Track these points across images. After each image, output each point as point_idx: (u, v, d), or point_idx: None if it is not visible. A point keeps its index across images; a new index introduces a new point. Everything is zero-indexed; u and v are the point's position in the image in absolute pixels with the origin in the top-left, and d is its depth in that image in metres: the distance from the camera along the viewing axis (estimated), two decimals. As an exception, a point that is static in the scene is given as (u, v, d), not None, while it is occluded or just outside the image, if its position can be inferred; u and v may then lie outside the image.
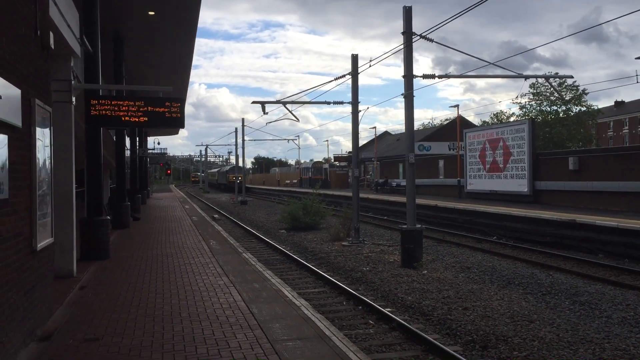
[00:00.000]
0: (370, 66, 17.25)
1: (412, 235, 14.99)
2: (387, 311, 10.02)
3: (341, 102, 20.71)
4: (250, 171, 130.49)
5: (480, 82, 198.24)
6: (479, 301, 10.82)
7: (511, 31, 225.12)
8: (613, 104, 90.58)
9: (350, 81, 19.99)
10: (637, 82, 20.50)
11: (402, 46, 15.71)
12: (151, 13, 16.93)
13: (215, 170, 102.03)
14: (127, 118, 10.90)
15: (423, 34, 14.55)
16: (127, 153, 26.26)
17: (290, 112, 20.90)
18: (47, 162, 7.35)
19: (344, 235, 20.46)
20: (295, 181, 75.17)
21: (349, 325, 9.32)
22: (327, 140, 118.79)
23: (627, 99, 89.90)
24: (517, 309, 10.18)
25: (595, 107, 52.94)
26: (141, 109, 10.91)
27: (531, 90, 50.82)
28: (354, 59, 19.96)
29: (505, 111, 67.15)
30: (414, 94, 15.86)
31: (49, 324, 7.10)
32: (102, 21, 13.57)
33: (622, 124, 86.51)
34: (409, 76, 15.68)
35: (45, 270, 7.15)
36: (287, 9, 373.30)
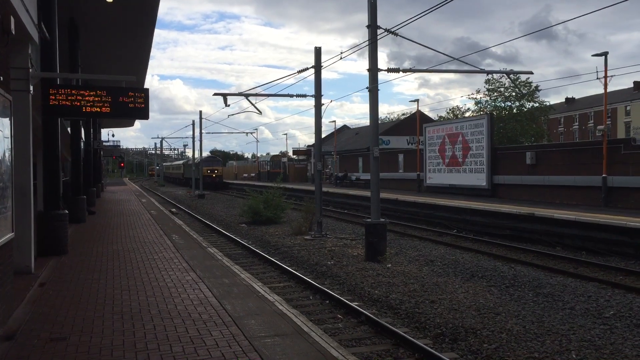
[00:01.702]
0: (341, 59, 17.22)
1: (376, 228, 15.02)
2: (355, 305, 10.00)
3: (304, 95, 20.60)
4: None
5: (435, 78, 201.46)
6: (444, 294, 10.92)
7: (464, 27, 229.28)
8: (564, 100, 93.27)
9: (308, 74, 19.91)
10: (597, 78, 21.07)
11: (366, 41, 15.70)
12: (109, 0, 16.37)
13: (180, 162, 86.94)
14: (88, 108, 10.46)
15: (390, 29, 14.53)
16: (81, 145, 25.42)
17: (253, 104, 20.65)
18: (7, 154, 6.99)
19: (306, 229, 20.39)
20: (253, 175, 74.61)
21: (317, 320, 9.24)
22: (286, 134, 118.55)
23: (576, 96, 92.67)
24: (483, 302, 10.32)
25: (548, 103, 54.42)
26: (103, 99, 10.51)
27: (486, 86, 51.90)
28: (317, 52, 19.86)
29: (461, 107, 68.37)
30: (378, 88, 15.87)
31: (10, 323, 6.77)
32: (57, 8, 13.03)
33: (572, 120, 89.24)
34: (373, 70, 15.66)
35: (6, 267, 6.82)
36: (242, 0, 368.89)
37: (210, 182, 57.54)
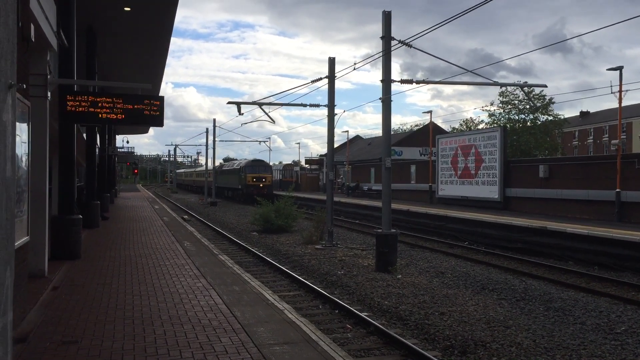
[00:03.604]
0: (354, 69, 17.28)
1: (387, 239, 15.03)
2: (365, 315, 10.01)
3: (317, 105, 20.69)
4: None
5: (448, 89, 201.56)
6: (454, 306, 10.90)
7: (478, 39, 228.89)
8: (578, 114, 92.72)
9: (321, 84, 20.03)
10: (611, 92, 21.04)
11: (380, 52, 15.79)
12: (127, 9, 16.59)
13: (201, 169, 69.59)
14: (104, 115, 10.62)
15: (404, 41, 14.60)
16: (96, 151, 25.67)
17: (267, 113, 20.79)
18: (25, 159, 7.12)
19: (317, 238, 20.42)
20: (266, 183, 74.55)
21: (326, 330, 9.26)
22: (299, 143, 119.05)
23: (591, 110, 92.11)
24: (493, 315, 10.29)
25: (562, 117, 54.10)
26: (119, 106, 10.66)
27: (500, 99, 51.75)
28: (331, 62, 19.97)
29: (474, 118, 68.16)
30: (391, 99, 15.94)
31: (24, 326, 6.85)
32: (76, 15, 13.24)
33: (587, 134, 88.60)
34: (387, 81, 15.73)
35: (20, 270, 6.91)
36: (256, 9, 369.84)
37: (257, 194, 39.73)
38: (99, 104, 10.70)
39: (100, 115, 10.68)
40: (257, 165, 46.39)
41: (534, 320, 10.10)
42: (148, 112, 10.81)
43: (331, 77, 19.89)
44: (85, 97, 10.78)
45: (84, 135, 21.68)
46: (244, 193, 44.51)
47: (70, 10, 12.74)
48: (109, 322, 7.15)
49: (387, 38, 15.49)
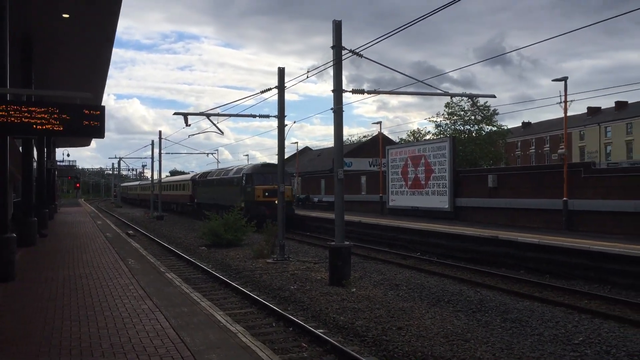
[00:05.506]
0: (307, 77, 16.99)
1: (340, 252, 14.73)
2: (320, 332, 9.65)
3: (267, 116, 20.32)
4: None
5: (393, 101, 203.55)
6: (411, 320, 10.66)
7: (421, 52, 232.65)
8: (520, 125, 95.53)
9: (269, 95, 19.69)
10: (559, 102, 21.47)
11: (330, 61, 15.56)
12: (65, 16, 15.80)
13: (186, 176, 53.40)
14: (39, 126, 9.88)
15: (354, 50, 14.39)
16: (34, 164, 24.44)
17: (215, 124, 20.22)
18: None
19: (268, 252, 19.95)
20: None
21: (281, 349, 8.84)
22: (247, 155, 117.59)
23: (531, 121, 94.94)
24: (451, 328, 10.09)
25: (506, 127, 55.57)
26: (56, 117, 9.95)
27: (446, 110, 52.72)
28: (281, 72, 19.66)
29: (421, 129, 69.36)
30: (342, 109, 15.68)
31: (-56, 361, 6.14)
32: (9, 22, 12.43)
33: (529, 144, 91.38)
34: (338, 90, 15.47)
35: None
36: (201, 20, 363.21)
37: (270, 215, 25.61)
38: (34, 115, 9.96)
39: (34, 126, 9.94)
40: (269, 172, 30.61)
41: (491, 332, 9.94)
42: (87, 122, 10.14)
43: (281, 87, 19.55)
44: (18, 106, 10.02)
45: (20, 147, 20.57)
46: (252, 215, 27.74)
47: (2, 15, 11.94)
48: (43, 353, 6.49)
49: (337, 47, 15.25)
